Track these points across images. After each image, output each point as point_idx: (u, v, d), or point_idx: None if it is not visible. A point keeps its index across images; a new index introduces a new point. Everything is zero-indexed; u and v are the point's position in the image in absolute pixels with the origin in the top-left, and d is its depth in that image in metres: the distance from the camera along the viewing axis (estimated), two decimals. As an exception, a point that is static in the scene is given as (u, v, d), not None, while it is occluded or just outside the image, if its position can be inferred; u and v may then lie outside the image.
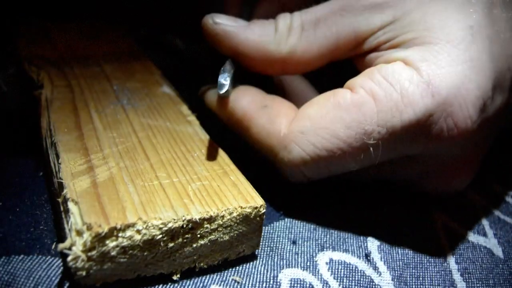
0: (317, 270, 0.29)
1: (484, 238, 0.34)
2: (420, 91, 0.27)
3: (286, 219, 0.33)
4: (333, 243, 0.32)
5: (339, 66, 0.35)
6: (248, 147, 0.34)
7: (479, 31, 0.29)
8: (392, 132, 0.28)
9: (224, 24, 0.34)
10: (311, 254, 0.30)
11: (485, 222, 0.35)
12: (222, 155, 0.31)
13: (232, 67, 0.34)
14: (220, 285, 0.27)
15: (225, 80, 0.31)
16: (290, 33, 0.33)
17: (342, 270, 0.30)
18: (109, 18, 0.53)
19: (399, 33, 0.30)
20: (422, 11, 0.30)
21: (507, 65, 0.29)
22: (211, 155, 0.31)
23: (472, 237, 0.34)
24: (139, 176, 0.28)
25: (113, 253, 0.24)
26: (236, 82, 0.34)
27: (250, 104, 0.33)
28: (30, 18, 0.50)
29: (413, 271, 0.30)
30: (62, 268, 0.26)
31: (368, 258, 0.31)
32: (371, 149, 0.29)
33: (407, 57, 0.29)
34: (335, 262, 0.30)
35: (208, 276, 0.28)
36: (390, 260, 0.31)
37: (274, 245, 0.31)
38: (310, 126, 0.30)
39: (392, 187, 0.36)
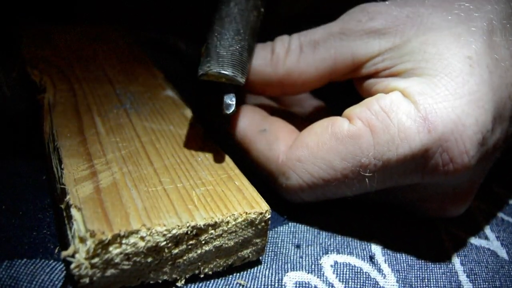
0: (322, 272, 0.29)
1: (486, 241, 0.34)
2: (417, 126, 0.28)
3: (289, 224, 0.33)
4: (337, 246, 0.32)
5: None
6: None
7: (478, 61, 0.28)
8: (388, 165, 0.28)
9: None
10: (315, 257, 0.30)
11: (485, 226, 0.35)
12: (226, 159, 0.31)
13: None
14: (224, 288, 0.27)
15: (231, 100, 0.32)
16: (288, 54, 0.34)
17: (347, 273, 0.29)
18: (111, 20, 0.53)
19: (398, 62, 0.30)
20: (421, 40, 0.30)
21: (508, 94, 0.29)
22: (215, 160, 0.31)
23: (475, 240, 0.34)
24: (142, 181, 0.27)
25: (117, 260, 0.24)
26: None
27: (249, 127, 0.34)
28: (32, 20, 0.50)
29: (418, 273, 0.30)
30: (65, 272, 0.26)
31: (373, 260, 0.31)
32: (367, 180, 0.29)
33: (406, 88, 0.29)
34: (340, 265, 0.30)
35: (212, 280, 0.28)
36: (394, 263, 0.31)
37: (278, 250, 0.31)
38: (307, 155, 0.30)
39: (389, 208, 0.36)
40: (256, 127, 0.34)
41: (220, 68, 0.30)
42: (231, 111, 0.31)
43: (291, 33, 0.35)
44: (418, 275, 0.30)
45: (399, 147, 0.28)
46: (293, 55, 0.33)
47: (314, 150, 0.30)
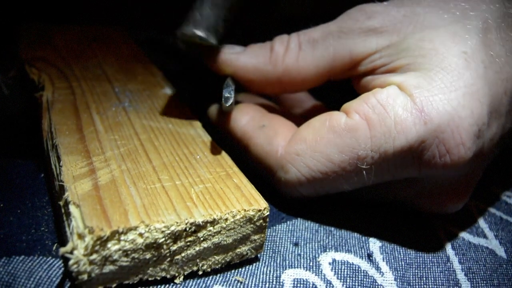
0: (320, 270, 0.29)
1: (485, 239, 0.34)
2: (413, 118, 0.28)
3: (288, 222, 0.33)
4: (336, 244, 0.32)
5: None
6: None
7: (473, 56, 0.29)
8: (385, 157, 0.29)
9: (222, 52, 0.35)
10: (313, 255, 0.30)
11: (484, 225, 0.35)
12: (225, 157, 0.31)
13: (234, 82, 0.34)
14: (223, 285, 0.27)
15: (229, 93, 0.32)
16: (287, 52, 0.34)
17: (345, 270, 0.30)
18: (110, 20, 0.53)
19: (395, 58, 0.31)
20: (418, 37, 0.30)
21: (503, 90, 0.30)
22: (214, 158, 0.31)
23: (473, 239, 0.34)
24: (141, 178, 0.27)
25: (115, 256, 0.24)
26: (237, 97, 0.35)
27: (249, 124, 0.34)
28: (31, 20, 0.50)
29: (416, 271, 0.30)
30: (63, 269, 0.26)
31: (371, 258, 0.31)
32: (364, 172, 0.30)
33: (402, 82, 0.29)
34: (338, 262, 0.30)
35: (211, 277, 0.28)
36: (393, 261, 0.31)
37: (277, 247, 0.31)
38: (305, 149, 0.31)
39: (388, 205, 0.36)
40: (256, 123, 0.34)
41: (194, 29, 0.32)
42: (229, 103, 0.32)
43: (290, 33, 0.35)
44: (416, 273, 0.30)
45: (396, 139, 0.28)
46: (292, 53, 0.34)
47: (312, 143, 0.30)
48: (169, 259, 0.26)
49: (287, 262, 0.30)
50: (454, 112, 0.27)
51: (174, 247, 0.25)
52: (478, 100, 0.28)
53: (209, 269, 0.27)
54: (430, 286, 0.29)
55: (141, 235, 0.24)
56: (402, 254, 0.31)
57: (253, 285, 0.28)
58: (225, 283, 0.27)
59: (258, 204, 0.27)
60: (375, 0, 0.33)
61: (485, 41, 0.29)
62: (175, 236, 0.25)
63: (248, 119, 0.35)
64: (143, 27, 0.57)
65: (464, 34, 0.29)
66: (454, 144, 0.28)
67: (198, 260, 0.27)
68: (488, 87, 0.28)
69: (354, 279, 0.29)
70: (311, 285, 0.28)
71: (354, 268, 0.30)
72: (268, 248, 0.31)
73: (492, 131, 0.29)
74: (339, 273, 0.29)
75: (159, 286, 0.26)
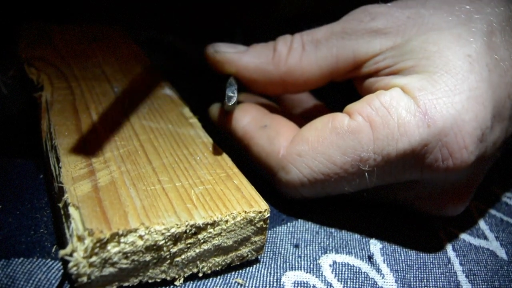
0: (320, 272, 0.29)
1: (485, 241, 0.34)
2: (417, 121, 0.28)
3: (288, 224, 0.33)
4: (336, 245, 0.31)
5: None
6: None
7: (478, 59, 0.29)
8: (388, 160, 0.29)
9: (224, 51, 0.35)
10: (314, 257, 0.30)
11: (485, 226, 0.35)
12: (225, 158, 0.31)
13: (236, 82, 0.35)
14: (223, 287, 0.27)
15: (232, 92, 0.33)
16: (290, 53, 0.34)
17: (346, 272, 0.29)
18: (110, 20, 0.53)
19: (399, 60, 0.31)
20: (422, 39, 0.30)
21: (507, 93, 0.29)
22: (214, 159, 0.31)
23: (474, 240, 0.34)
24: (141, 180, 0.27)
25: (115, 258, 0.24)
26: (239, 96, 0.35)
27: (250, 124, 0.34)
28: (31, 20, 0.50)
29: (417, 273, 0.30)
30: (62, 271, 0.26)
31: (371, 260, 0.30)
32: (367, 175, 0.29)
33: (406, 84, 0.29)
34: (339, 264, 0.30)
35: (211, 279, 0.28)
36: (393, 263, 0.31)
37: (277, 249, 0.31)
38: (307, 150, 0.31)
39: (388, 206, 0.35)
40: (257, 123, 0.34)
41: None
42: (232, 102, 0.32)
43: (292, 34, 0.35)
44: (417, 275, 0.30)
45: (399, 141, 0.28)
46: (295, 54, 0.34)
47: (315, 144, 0.30)
48: (169, 261, 0.25)
49: (287, 264, 0.29)
50: (458, 116, 0.27)
51: (174, 249, 0.25)
52: (482, 104, 0.28)
53: (209, 271, 0.27)
54: (431, 288, 0.29)
55: (141, 237, 0.24)
56: (403, 256, 0.31)
57: (253, 287, 0.28)
58: (225, 285, 0.27)
59: (258, 205, 0.27)
60: (379, 1, 0.33)
61: (490, 44, 0.29)
62: (175, 238, 0.25)
63: (250, 119, 0.35)
64: (143, 27, 0.56)
65: (469, 37, 0.29)
66: (457, 147, 0.27)
67: (198, 262, 0.27)
68: (492, 90, 0.28)
69: (354, 281, 0.29)
70: (311, 287, 0.28)
71: (354, 270, 0.30)
72: (269, 250, 0.30)
73: (495, 135, 0.29)
74: (340, 275, 0.29)
75: (159, 289, 0.26)
